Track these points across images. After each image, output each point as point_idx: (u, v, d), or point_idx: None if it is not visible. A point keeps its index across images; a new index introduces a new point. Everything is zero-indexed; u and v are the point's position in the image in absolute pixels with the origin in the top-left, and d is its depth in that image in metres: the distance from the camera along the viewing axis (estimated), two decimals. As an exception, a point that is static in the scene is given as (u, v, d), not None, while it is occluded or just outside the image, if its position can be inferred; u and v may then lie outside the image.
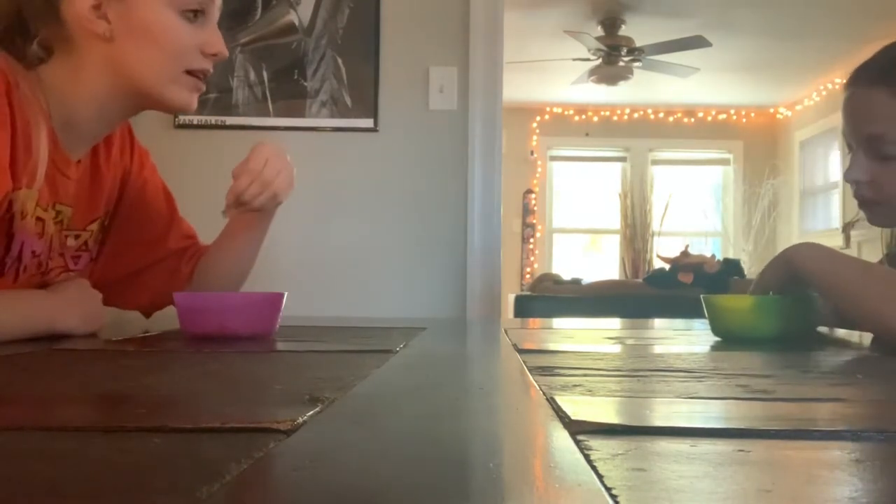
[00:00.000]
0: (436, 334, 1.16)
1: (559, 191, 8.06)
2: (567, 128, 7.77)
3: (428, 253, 2.57)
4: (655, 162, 7.96)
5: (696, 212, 7.92)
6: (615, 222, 7.79)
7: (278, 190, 1.17)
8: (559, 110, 7.70)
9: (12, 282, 1.05)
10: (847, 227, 5.97)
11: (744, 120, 7.69)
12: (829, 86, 6.48)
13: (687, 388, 0.59)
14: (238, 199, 1.14)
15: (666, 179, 7.87)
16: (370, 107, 2.56)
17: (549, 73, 6.36)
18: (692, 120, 7.77)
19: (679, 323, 1.51)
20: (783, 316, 1.05)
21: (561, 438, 0.41)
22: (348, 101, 2.56)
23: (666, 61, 5.59)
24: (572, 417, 0.44)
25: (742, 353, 0.90)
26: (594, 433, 0.41)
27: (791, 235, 7.12)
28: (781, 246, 1.21)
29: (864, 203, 1.17)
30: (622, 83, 5.90)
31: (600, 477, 0.32)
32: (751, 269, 5.58)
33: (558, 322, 1.75)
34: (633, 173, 7.85)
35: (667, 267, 4.22)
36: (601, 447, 0.38)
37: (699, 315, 1.20)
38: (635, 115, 7.76)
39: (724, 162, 7.94)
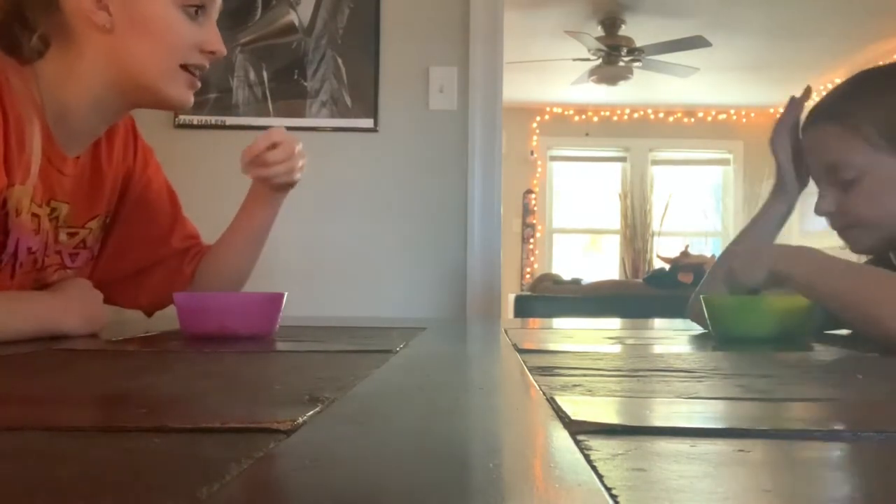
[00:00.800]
0: (436, 334, 1.16)
1: (559, 191, 8.06)
2: (567, 128, 7.77)
3: (428, 253, 2.57)
4: (655, 162, 7.96)
5: (696, 212, 7.92)
6: (615, 222, 7.78)
7: (297, 165, 1.18)
8: (559, 110, 7.70)
9: (9, 278, 1.05)
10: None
11: (744, 120, 7.69)
12: (829, 86, 6.46)
13: (687, 388, 0.59)
14: (260, 158, 1.15)
15: (666, 179, 7.87)
16: (370, 107, 2.56)
17: (549, 73, 6.36)
18: (692, 120, 7.77)
19: (679, 323, 1.51)
20: (783, 316, 1.05)
21: (561, 438, 0.41)
22: (348, 101, 2.56)
23: (666, 61, 5.59)
24: (572, 417, 0.44)
25: (742, 353, 0.90)
26: (594, 433, 0.41)
27: (790, 236, 7.11)
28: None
29: (841, 231, 1.21)
30: (622, 83, 5.90)
31: (600, 477, 0.32)
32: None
33: (558, 322, 1.75)
34: (633, 173, 7.85)
35: (667, 267, 4.22)
36: (601, 447, 0.38)
37: (699, 315, 1.20)
38: (635, 115, 7.76)
39: (724, 162, 7.94)
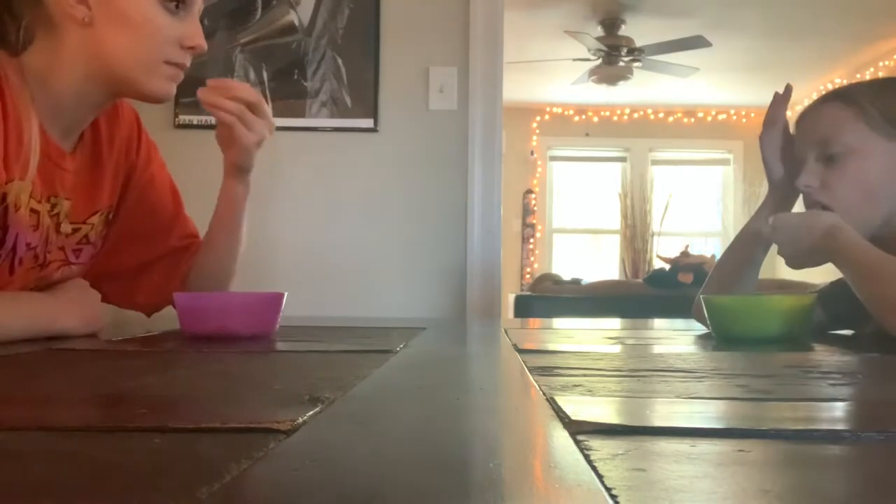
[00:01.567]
0: (436, 334, 1.16)
1: (559, 191, 8.06)
2: (567, 128, 7.77)
3: (428, 253, 2.57)
4: (655, 162, 7.96)
5: (696, 212, 7.92)
6: (615, 222, 7.78)
7: (249, 119, 1.14)
8: (559, 110, 7.70)
9: (8, 273, 1.05)
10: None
11: (744, 120, 7.68)
12: (829, 86, 6.47)
13: (687, 388, 0.59)
14: (224, 86, 1.13)
15: (666, 179, 7.87)
16: (370, 107, 2.56)
17: (549, 73, 6.36)
18: (692, 120, 7.77)
19: (679, 323, 1.51)
20: (783, 316, 1.05)
21: (561, 438, 0.41)
22: (348, 101, 2.56)
23: (666, 61, 5.59)
24: (572, 417, 0.44)
25: (742, 353, 0.90)
26: (594, 433, 0.41)
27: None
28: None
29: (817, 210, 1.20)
30: (622, 83, 5.90)
31: (600, 477, 0.32)
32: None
33: (558, 322, 1.75)
34: (633, 173, 7.85)
35: (667, 267, 4.22)
36: (601, 447, 0.38)
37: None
38: (635, 115, 7.76)
39: (724, 162, 7.94)
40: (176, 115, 2.51)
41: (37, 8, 1.01)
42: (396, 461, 0.37)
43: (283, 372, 0.73)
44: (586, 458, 0.36)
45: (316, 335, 1.07)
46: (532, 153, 7.75)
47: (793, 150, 1.26)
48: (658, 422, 0.49)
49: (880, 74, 5.84)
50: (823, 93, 1.27)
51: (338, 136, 2.57)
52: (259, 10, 2.57)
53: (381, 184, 2.58)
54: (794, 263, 1.15)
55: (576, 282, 4.75)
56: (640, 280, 5.27)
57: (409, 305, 2.53)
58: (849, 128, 1.15)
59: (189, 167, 2.42)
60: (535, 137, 7.75)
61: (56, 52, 1.03)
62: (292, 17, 2.57)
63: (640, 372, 0.70)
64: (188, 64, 1.08)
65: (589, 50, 5.52)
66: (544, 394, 0.54)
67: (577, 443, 0.39)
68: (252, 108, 1.14)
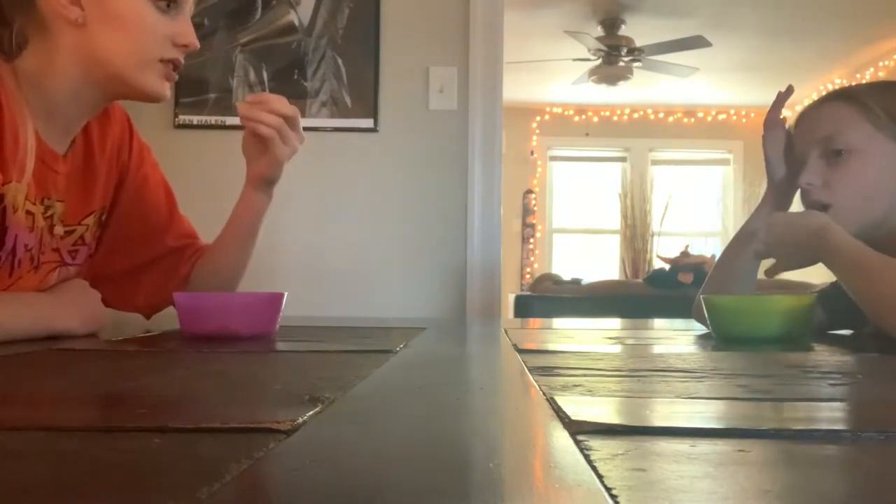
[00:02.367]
0: (436, 334, 1.16)
1: (559, 191, 8.06)
2: (567, 128, 7.77)
3: (428, 253, 2.57)
4: (655, 162, 7.96)
5: (696, 212, 7.92)
6: (615, 222, 7.78)
7: (288, 133, 1.15)
8: (559, 110, 7.70)
9: (7, 276, 1.05)
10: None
11: (744, 120, 7.68)
12: (829, 86, 6.47)
13: (687, 388, 0.59)
14: (263, 102, 1.13)
15: (666, 179, 7.87)
16: (370, 107, 2.56)
17: (549, 73, 6.36)
18: (692, 120, 7.77)
19: (679, 323, 1.51)
20: (783, 316, 1.05)
21: (561, 438, 0.41)
22: (348, 101, 2.56)
23: (666, 61, 5.59)
24: (572, 417, 0.44)
25: (742, 353, 0.90)
26: (594, 433, 0.41)
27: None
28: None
29: (817, 209, 1.19)
30: (622, 83, 5.90)
31: (600, 477, 0.32)
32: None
33: (558, 322, 1.75)
34: (633, 173, 7.85)
35: (667, 267, 4.22)
36: (601, 447, 0.38)
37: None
38: (635, 115, 7.76)
39: (724, 162, 7.94)
40: (176, 115, 2.51)
41: (29, 11, 1.02)
42: (396, 461, 0.37)
43: (283, 372, 0.73)
44: (586, 458, 0.36)
45: (316, 335, 1.07)
46: (532, 153, 7.75)
47: (793, 149, 1.26)
48: (658, 422, 0.49)
49: (880, 74, 5.85)
50: (823, 93, 1.27)
51: (338, 136, 2.57)
52: (259, 10, 2.57)
53: (381, 184, 2.58)
54: (786, 263, 1.15)
55: (576, 282, 4.75)
56: (640, 280, 5.27)
57: (409, 305, 2.53)
58: (853, 126, 1.15)
59: (189, 167, 2.42)
60: (535, 137, 7.75)
61: (50, 54, 1.03)
62: (292, 17, 2.57)
63: (640, 372, 0.70)
64: (182, 61, 1.08)
65: (589, 50, 5.52)
66: (544, 394, 0.54)
67: (577, 443, 0.39)
68: (288, 121, 1.14)
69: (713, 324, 1.09)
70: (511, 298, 4.63)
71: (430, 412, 0.52)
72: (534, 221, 7.76)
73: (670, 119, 7.78)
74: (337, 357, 0.81)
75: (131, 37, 1.04)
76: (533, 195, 7.76)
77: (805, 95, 6.85)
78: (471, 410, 0.54)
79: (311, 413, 0.45)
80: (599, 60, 5.64)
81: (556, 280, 4.82)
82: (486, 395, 0.61)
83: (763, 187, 1.34)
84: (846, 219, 1.15)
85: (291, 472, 0.34)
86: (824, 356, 0.89)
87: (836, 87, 1.27)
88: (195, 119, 2.53)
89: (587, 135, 7.81)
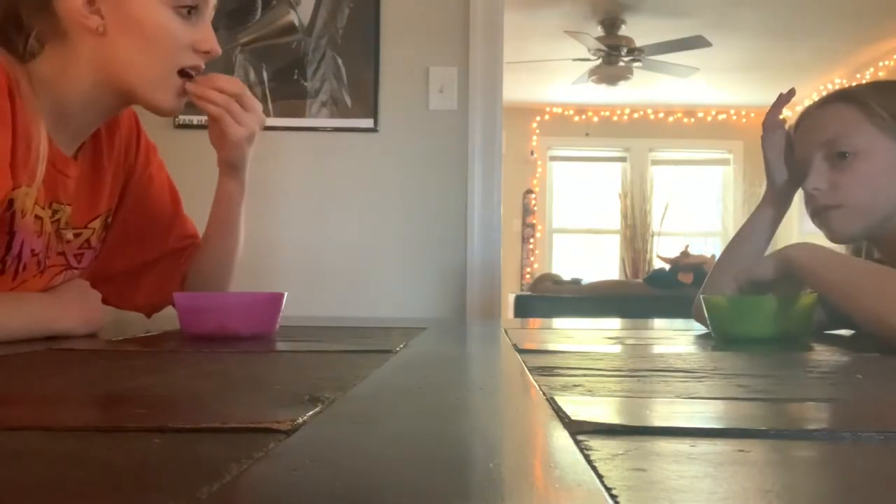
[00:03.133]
0: (436, 334, 1.16)
1: (559, 191, 8.06)
2: (567, 128, 7.77)
3: (428, 253, 2.57)
4: (655, 162, 7.96)
5: (696, 212, 7.92)
6: (615, 222, 7.78)
7: (256, 113, 1.14)
8: (559, 110, 7.70)
9: (11, 280, 1.05)
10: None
11: (744, 120, 7.69)
12: (829, 86, 6.47)
13: (687, 388, 0.59)
14: (211, 81, 1.10)
15: (666, 179, 7.87)
16: (370, 107, 2.56)
17: (549, 73, 6.36)
18: (692, 120, 7.77)
19: (679, 323, 1.51)
20: (783, 316, 1.05)
21: (561, 438, 0.41)
22: (348, 101, 2.56)
23: (666, 61, 5.59)
24: (572, 417, 0.44)
25: (742, 353, 0.90)
26: (594, 433, 0.41)
27: (790, 236, 7.11)
28: (781, 246, 1.24)
29: (823, 212, 1.20)
30: (622, 83, 5.90)
31: (600, 477, 0.32)
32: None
33: (558, 322, 1.75)
34: (633, 173, 7.85)
35: (667, 267, 4.22)
36: (601, 447, 0.38)
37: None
38: (635, 115, 7.76)
39: (724, 162, 7.94)
40: (176, 115, 2.51)
41: (48, 17, 1.01)
42: (396, 461, 0.37)
43: (283, 372, 0.73)
44: (586, 458, 0.36)
45: (316, 335, 1.07)
46: (532, 153, 7.75)
47: (793, 151, 1.26)
48: (658, 422, 0.49)
49: (880, 74, 5.85)
50: (823, 93, 1.27)
51: (338, 136, 2.57)
52: (259, 10, 2.57)
53: (381, 184, 2.58)
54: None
55: (576, 282, 4.75)
56: (640, 280, 5.27)
57: (409, 305, 2.54)
58: (857, 129, 1.15)
59: (189, 167, 2.42)
60: (535, 137, 7.75)
61: (67, 60, 1.03)
62: (292, 17, 2.57)
63: (640, 372, 0.70)
64: (203, 67, 1.08)
65: (589, 50, 5.52)
66: (544, 394, 0.54)
67: (577, 443, 0.39)
68: (239, 100, 1.13)
69: (713, 324, 1.09)
70: (511, 298, 4.63)
71: (430, 412, 0.52)
72: (534, 221, 7.76)
73: (670, 119, 7.78)
74: (337, 357, 0.81)
75: (152, 45, 1.03)
76: (533, 195, 7.76)
77: (805, 95, 6.85)
78: (471, 410, 0.54)
79: (311, 413, 0.45)
80: (599, 60, 5.64)
81: (556, 280, 4.82)
82: (486, 395, 0.61)
83: (763, 188, 1.34)
84: (855, 219, 1.16)
85: (291, 472, 0.34)
86: (824, 356, 0.89)
87: (836, 87, 1.27)
88: (195, 119, 2.52)
89: (587, 135, 7.81)
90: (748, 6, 5.02)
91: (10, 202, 0.99)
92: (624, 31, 5.48)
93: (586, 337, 1.16)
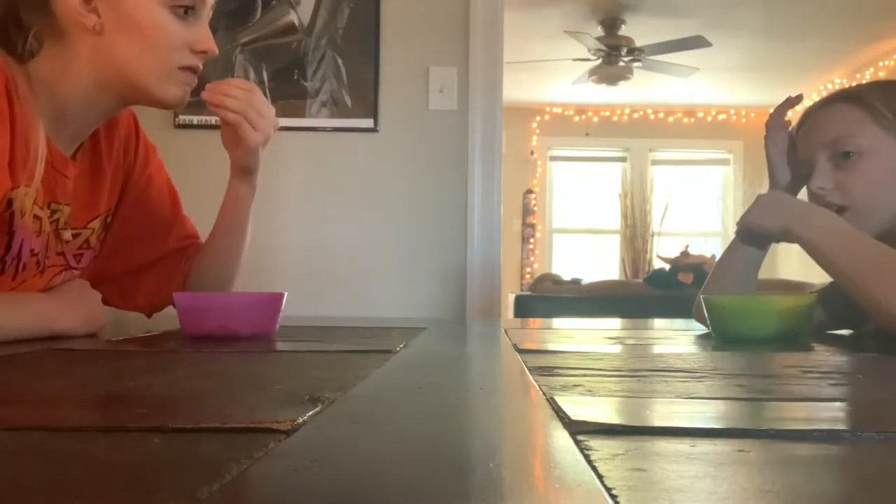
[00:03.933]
0: (436, 334, 1.16)
1: (559, 191, 8.06)
2: (567, 128, 7.77)
3: (428, 253, 2.57)
4: (655, 162, 7.96)
5: (696, 212, 7.92)
6: (615, 222, 7.78)
7: (270, 117, 1.16)
8: (559, 110, 7.70)
9: (11, 280, 1.05)
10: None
11: (744, 120, 7.69)
12: (829, 86, 6.48)
13: (687, 388, 0.59)
14: (223, 87, 1.12)
15: (666, 179, 7.87)
16: (370, 107, 2.56)
17: (549, 73, 6.36)
18: (692, 120, 7.77)
19: (679, 323, 1.51)
20: (783, 316, 1.05)
21: (561, 438, 0.41)
22: (348, 101, 2.56)
23: (666, 61, 5.59)
24: (572, 417, 0.44)
25: (742, 353, 0.90)
26: (594, 433, 0.41)
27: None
28: (780, 245, 1.25)
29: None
30: (622, 83, 5.90)
31: (600, 477, 0.32)
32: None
33: (558, 322, 1.75)
34: (633, 173, 7.85)
35: (667, 267, 4.22)
36: (601, 447, 0.38)
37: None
38: (635, 115, 7.76)
39: (724, 162, 7.94)
40: (176, 115, 2.51)
41: (46, 17, 1.01)
42: (396, 461, 0.37)
43: (283, 372, 0.73)
44: (586, 458, 0.36)
45: (316, 335, 1.07)
46: (532, 153, 7.75)
47: (795, 151, 1.26)
48: (658, 422, 0.49)
49: (880, 74, 5.84)
50: (823, 93, 1.27)
51: (338, 136, 2.57)
52: (259, 10, 2.57)
53: (381, 184, 2.58)
54: (753, 222, 1.17)
55: (576, 282, 4.75)
56: (640, 280, 5.27)
57: (409, 305, 2.54)
58: (861, 129, 1.15)
59: (189, 167, 2.42)
60: (535, 137, 7.75)
61: (65, 59, 1.03)
62: (292, 17, 2.57)
63: (640, 372, 0.70)
64: (200, 67, 1.08)
65: (589, 50, 5.52)
66: (544, 394, 0.54)
67: (577, 443, 0.39)
68: (253, 104, 1.14)
69: (713, 324, 1.09)
70: (511, 298, 4.63)
71: (430, 412, 0.52)
72: (534, 221, 7.76)
73: (670, 119, 7.78)
74: (337, 357, 0.81)
75: (149, 45, 1.03)
76: (533, 195, 7.76)
77: (805, 95, 6.85)
78: (471, 410, 0.54)
79: (311, 413, 0.45)
80: (599, 60, 5.64)
81: (556, 280, 4.82)
82: (486, 395, 0.61)
83: (763, 188, 1.34)
84: (862, 219, 1.16)
85: (291, 472, 0.34)
86: (824, 356, 0.89)
87: (837, 87, 1.27)
88: (195, 119, 2.53)
89: (587, 135, 7.80)
90: (748, 6, 5.02)
91: (10, 202, 0.99)
92: (624, 31, 5.48)
93: (586, 337, 1.16)
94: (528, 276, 7.40)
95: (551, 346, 1.00)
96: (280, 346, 0.94)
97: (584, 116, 7.74)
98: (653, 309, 3.72)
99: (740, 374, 0.71)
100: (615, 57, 5.55)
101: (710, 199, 8.03)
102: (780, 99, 1.30)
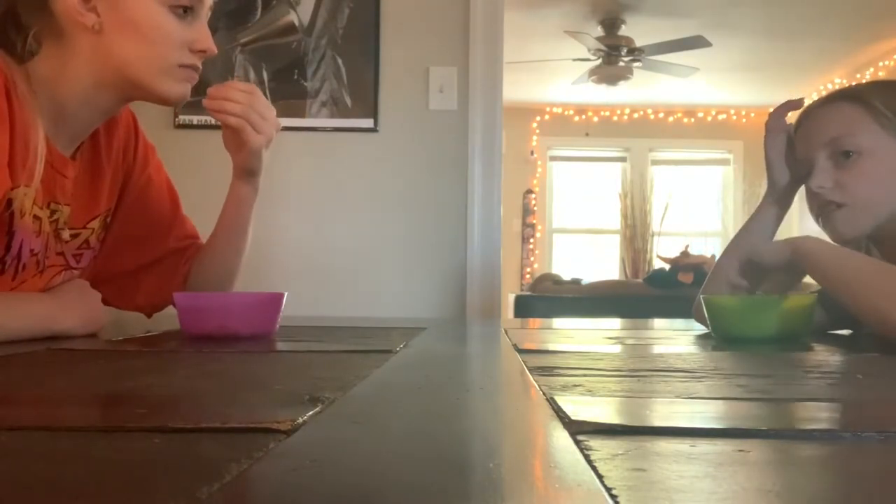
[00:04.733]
0: (436, 334, 1.16)
1: (559, 191, 8.06)
2: (567, 128, 7.77)
3: (428, 253, 2.57)
4: (655, 162, 7.96)
5: (696, 212, 7.92)
6: (615, 222, 7.78)
7: (272, 119, 1.17)
8: (559, 110, 7.70)
9: (11, 280, 1.05)
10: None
11: (744, 120, 7.69)
12: (829, 86, 6.48)
13: (687, 388, 0.59)
14: (224, 91, 1.13)
15: (666, 179, 7.87)
16: (370, 107, 2.56)
17: (549, 73, 6.36)
18: (692, 120, 7.77)
19: (679, 323, 1.51)
20: (783, 316, 1.05)
21: (561, 438, 0.41)
22: (348, 101, 2.56)
23: (666, 61, 5.59)
24: (572, 417, 0.44)
25: (742, 353, 0.90)
26: (594, 433, 0.41)
27: (790, 235, 7.11)
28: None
29: (828, 210, 1.20)
30: (622, 83, 5.90)
31: (600, 477, 0.32)
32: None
33: (558, 322, 1.75)
34: (633, 173, 7.85)
35: (667, 267, 4.22)
36: (601, 447, 0.38)
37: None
38: (635, 115, 7.76)
39: (724, 162, 7.94)
40: (176, 115, 2.51)
41: (45, 16, 1.01)
42: (396, 461, 0.37)
43: (283, 372, 0.73)
44: (586, 458, 0.36)
45: (316, 335, 1.07)
46: (532, 153, 7.75)
47: (793, 151, 1.26)
48: (658, 422, 0.49)
49: (880, 74, 5.85)
50: (823, 93, 1.28)
51: (338, 136, 2.57)
52: (259, 10, 2.57)
53: (381, 184, 2.58)
54: (774, 287, 1.16)
55: (576, 282, 4.75)
56: (640, 280, 5.27)
57: (409, 305, 2.54)
58: (862, 128, 1.15)
59: (189, 167, 2.42)
60: (535, 137, 7.75)
61: (64, 59, 1.03)
62: (292, 17, 2.57)
63: (640, 372, 0.70)
64: (199, 66, 1.08)
65: (589, 50, 5.52)
66: (544, 394, 0.54)
67: (577, 443, 0.39)
68: (255, 107, 1.14)
69: (713, 324, 1.09)
70: (511, 298, 4.63)
71: (430, 412, 0.52)
72: (534, 221, 7.76)
73: (670, 119, 7.78)
74: (337, 357, 0.81)
75: (148, 43, 1.03)
76: (533, 195, 7.76)
77: (805, 95, 6.85)
78: (471, 410, 0.54)
79: (311, 413, 0.45)
80: (599, 60, 5.64)
81: (556, 280, 4.82)
82: (486, 395, 0.61)
83: (763, 188, 1.34)
84: (860, 217, 1.16)
85: (291, 472, 0.34)
86: (824, 356, 0.89)
87: (836, 87, 1.27)
88: (195, 119, 2.53)
89: (587, 135, 7.81)
90: (748, 6, 5.02)
91: (9, 202, 0.99)
92: (624, 31, 5.48)
93: (586, 337, 1.16)
94: (528, 276, 7.40)
95: (551, 346, 1.00)
96: (280, 346, 0.94)
97: (584, 116, 7.74)
98: (653, 309, 3.72)
99: (740, 374, 0.71)
100: (615, 57, 5.55)
101: (710, 199, 8.03)
102: (780, 99, 1.30)
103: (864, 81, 1.31)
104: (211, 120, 2.55)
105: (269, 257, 2.48)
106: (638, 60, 5.60)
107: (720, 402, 0.55)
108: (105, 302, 1.12)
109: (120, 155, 1.20)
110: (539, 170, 7.83)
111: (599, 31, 5.47)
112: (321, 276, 2.54)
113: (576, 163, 8.10)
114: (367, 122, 2.56)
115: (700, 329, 1.25)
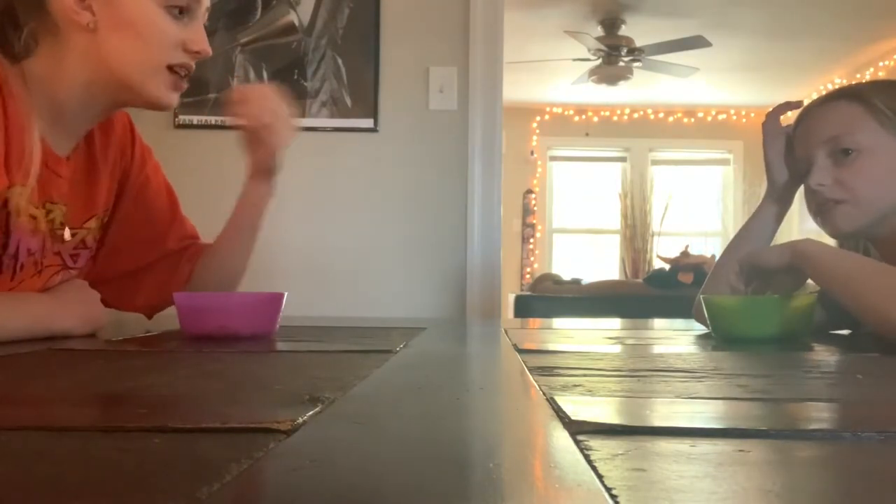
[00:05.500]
0: (436, 334, 1.16)
1: (559, 191, 8.06)
2: (567, 128, 7.77)
3: (428, 253, 2.57)
4: (655, 162, 7.96)
5: (696, 212, 7.92)
6: (615, 222, 7.78)
7: (290, 120, 1.18)
8: (559, 110, 7.70)
9: (9, 280, 1.05)
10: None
11: (744, 120, 7.69)
12: (829, 86, 6.48)
13: (687, 388, 0.59)
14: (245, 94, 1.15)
15: (666, 179, 7.87)
16: (370, 107, 2.56)
17: (549, 73, 6.36)
18: (692, 120, 7.77)
19: (679, 323, 1.51)
20: (783, 316, 1.05)
21: (561, 438, 0.41)
22: (348, 101, 2.56)
23: (666, 61, 5.59)
24: (572, 417, 0.44)
25: (742, 353, 0.90)
26: (594, 433, 0.41)
27: (790, 235, 7.12)
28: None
29: (826, 207, 1.20)
30: (622, 83, 5.90)
31: (600, 477, 0.32)
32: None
33: (558, 322, 1.75)
34: (633, 173, 7.85)
35: (667, 267, 4.22)
36: (601, 447, 0.38)
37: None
38: (635, 115, 7.76)
39: (724, 162, 7.94)
40: (176, 115, 2.51)
41: (41, 15, 1.01)
42: (396, 461, 0.37)
43: (283, 372, 0.73)
44: (586, 458, 0.36)
45: (316, 335, 1.07)
46: (532, 153, 7.75)
47: (792, 150, 1.26)
48: (658, 422, 0.49)
49: (880, 74, 5.85)
50: (823, 92, 1.28)
51: (338, 136, 2.57)
52: (259, 10, 2.57)
53: (381, 184, 2.58)
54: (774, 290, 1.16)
55: (576, 282, 4.75)
56: (640, 280, 5.27)
57: (409, 305, 2.54)
58: (861, 126, 1.15)
59: (189, 167, 2.42)
60: (535, 137, 7.75)
61: (59, 58, 1.03)
62: (292, 17, 2.57)
63: (640, 372, 0.70)
64: (193, 67, 1.08)
65: (589, 50, 5.52)
66: (544, 394, 0.54)
67: (577, 443, 0.39)
68: (274, 107, 1.16)
69: (713, 324, 1.09)
70: (511, 298, 4.63)
71: (430, 412, 0.52)
72: (534, 221, 7.76)
73: (670, 119, 7.78)
74: (337, 357, 0.81)
75: (143, 42, 1.03)
76: (533, 195, 7.76)
77: (805, 95, 6.85)
78: (471, 410, 0.54)
79: (311, 413, 0.45)
80: (599, 60, 5.64)
81: (556, 280, 4.82)
82: (486, 395, 0.61)
83: (763, 188, 1.34)
84: (859, 214, 1.16)
85: (291, 472, 0.34)
86: (824, 356, 0.89)
87: (836, 86, 1.27)
88: (195, 119, 2.52)
89: (587, 135, 7.80)
90: (748, 6, 5.02)
91: (5, 202, 0.99)
92: (624, 31, 5.48)
93: (586, 337, 1.16)
94: (528, 276, 7.40)
95: (551, 346, 1.00)
96: (280, 346, 0.94)
97: (584, 116, 7.74)
98: (653, 309, 3.72)
99: (740, 374, 0.71)
100: (615, 57, 5.55)
101: (710, 199, 8.03)
102: (780, 99, 1.31)
103: (859, 81, 1.31)
104: (211, 120, 2.55)
105: (269, 257, 2.48)
106: (638, 60, 5.60)
107: (720, 402, 0.55)
108: (105, 303, 1.12)
109: (117, 155, 1.20)
110: (539, 170, 7.83)
111: (599, 31, 5.47)
112: (321, 276, 2.54)
113: (576, 163, 8.10)
114: (367, 123, 2.56)
115: (700, 329, 1.25)
